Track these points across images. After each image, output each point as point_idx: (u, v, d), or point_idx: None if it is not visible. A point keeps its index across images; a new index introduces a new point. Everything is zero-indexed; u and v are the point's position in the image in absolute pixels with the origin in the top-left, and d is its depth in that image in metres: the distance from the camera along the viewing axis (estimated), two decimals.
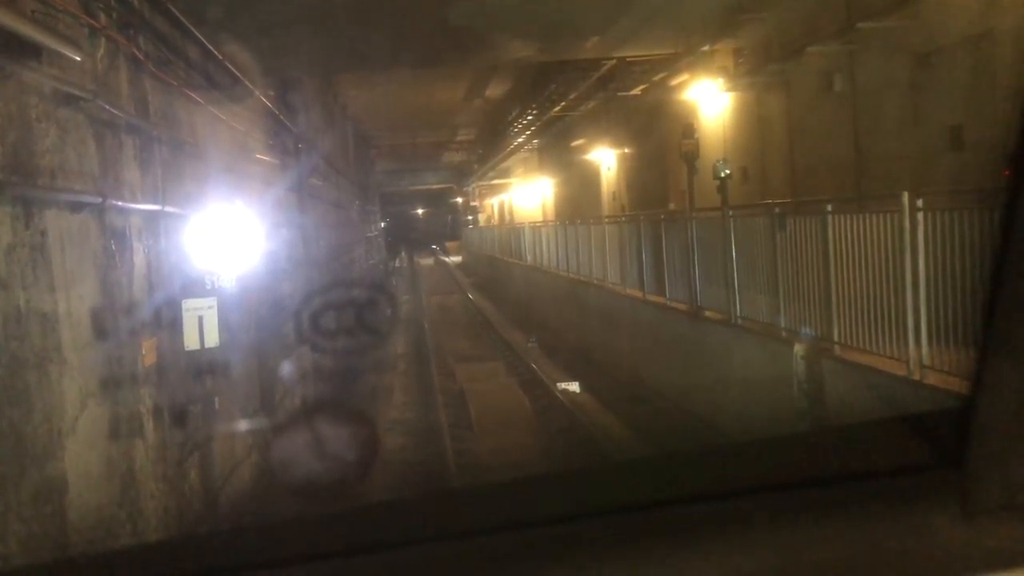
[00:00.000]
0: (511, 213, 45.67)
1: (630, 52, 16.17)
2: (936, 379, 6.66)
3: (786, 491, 1.30)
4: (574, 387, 15.26)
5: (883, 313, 7.47)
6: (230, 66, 9.67)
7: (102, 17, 6.21)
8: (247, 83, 10.27)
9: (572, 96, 21.84)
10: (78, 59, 5.43)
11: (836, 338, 8.23)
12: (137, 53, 6.92)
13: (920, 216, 6.91)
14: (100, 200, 5.66)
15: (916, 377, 6.90)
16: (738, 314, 10.61)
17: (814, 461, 1.39)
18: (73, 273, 5.28)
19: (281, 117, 13.34)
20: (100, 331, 5.60)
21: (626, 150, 23.37)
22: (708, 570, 1.18)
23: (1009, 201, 1.28)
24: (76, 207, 5.41)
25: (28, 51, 4.87)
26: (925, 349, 6.88)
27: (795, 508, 1.26)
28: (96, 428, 5.44)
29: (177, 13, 7.97)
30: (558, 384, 15.36)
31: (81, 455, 5.14)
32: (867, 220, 7.81)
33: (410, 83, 22.81)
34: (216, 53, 9.18)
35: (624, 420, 12.88)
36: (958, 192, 7.33)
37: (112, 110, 6.12)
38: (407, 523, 1.30)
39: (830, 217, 8.35)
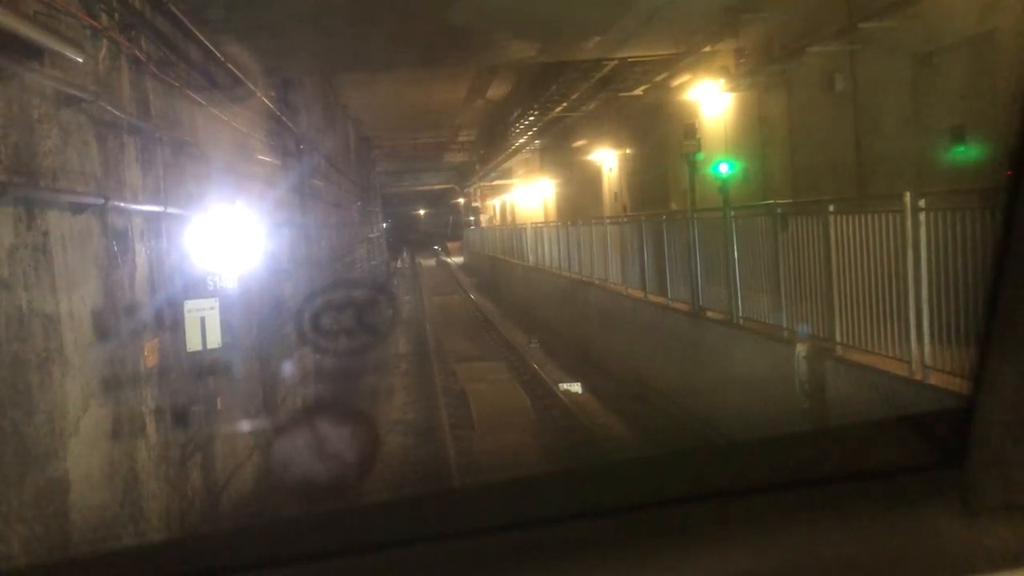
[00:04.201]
0: (512, 214, 45.64)
1: (631, 52, 16.16)
2: (938, 379, 6.65)
3: (787, 490, 1.30)
4: (575, 387, 15.27)
5: (885, 313, 7.46)
6: (231, 67, 9.68)
7: (104, 18, 6.22)
8: (248, 83, 10.28)
9: (573, 97, 21.81)
10: (80, 60, 5.44)
11: (838, 338, 8.22)
12: (139, 54, 6.93)
13: (922, 216, 6.90)
14: (102, 201, 5.67)
15: (918, 377, 6.89)
16: (740, 314, 10.60)
17: (814, 460, 1.39)
18: (75, 274, 5.29)
19: (282, 117, 13.35)
20: (102, 332, 5.61)
21: (627, 150, 23.37)
22: (709, 569, 1.18)
23: (1009, 201, 1.28)
24: (78, 208, 5.42)
25: (30, 52, 4.88)
26: (927, 349, 6.87)
27: (796, 507, 1.26)
28: (98, 429, 5.45)
29: (178, 14, 7.98)
30: (560, 384, 15.37)
31: (83, 455, 5.15)
32: (869, 220, 7.79)
33: (411, 83, 22.81)
34: (217, 54, 9.19)
35: (625, 420, 12.89)
36: (960, 192, 7.31)
37: (114, 111, 6.13)
38: (408, 523, 1.30)
39: (832, 217, 8.33)
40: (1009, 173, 1.29)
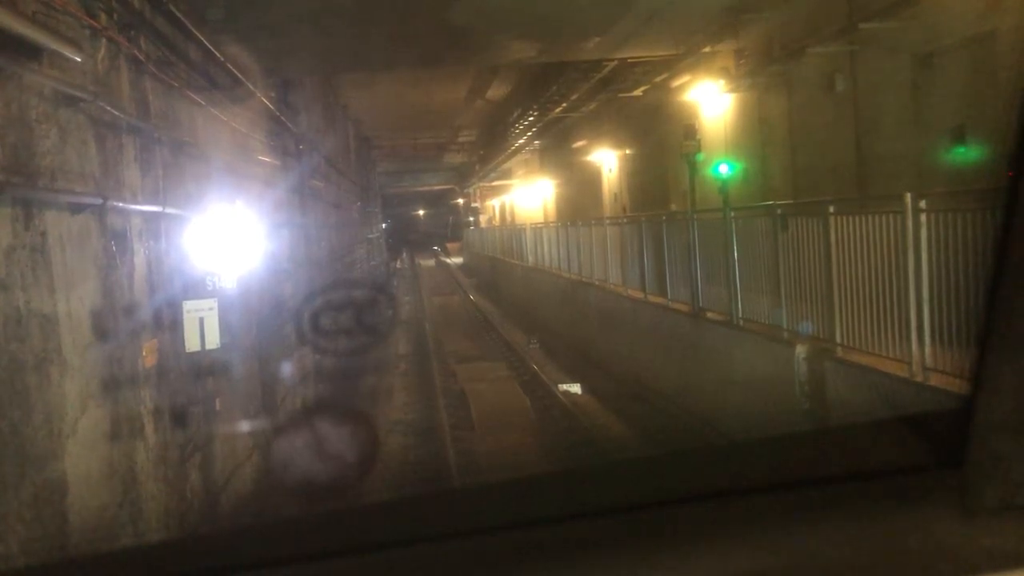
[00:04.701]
0: (512, 214, 45.62)
1: (631, 53, 16.15)
2: (939, 380, 6.63)
3: (786, 491, 1.30)
4: (575, 388, 15.25)
5: (886, 314, 7.45)
6: (231, 67, 9.67)
7: (103, 18, 6.21)
8: (248, 84, 10.27)
9: (573, 97, 21.80)
10: (79, 60, 5.43)
11: (838, 339, 8.20)
12: (138, 54, 6.92)
13: (923, 217, 6.89)
14: (100, 201, 5.66)
15: (919, 379, 6.87)
16: (739, 315, 10.59)
17: (814, 461, 1.39)
18: (73, 274, 5.28)
19: (282, 118, 13.34)
20: (100, 332, 5.60)
21: (627, 151, 23.35)
22: (708, 569, 1.18)
23: (1007, 202, 1.28)
24: (76, 208, 5.41)
25: (29, 52, 4.87)
26: (928, 350, 6.86)
27: (795, 508, 1.26)
28: (96, 430, 5.44)
29: (178, 14, 7.97)
30: (559, 385, 15.35)
31: (81, 457, 5.14)
32: (870, 221, 7.78)
33: (411, 84, 22.78)
34: (217, 54, 9.18)
35: (625, 421, 12.87)
36: (961, 193, 7.30)
37: (113, 111, 6.12)
38: (407, 523, 1.30)
39: (832, 218, 8.33)
40: (1010, 174, 1.29)
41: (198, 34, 8.58)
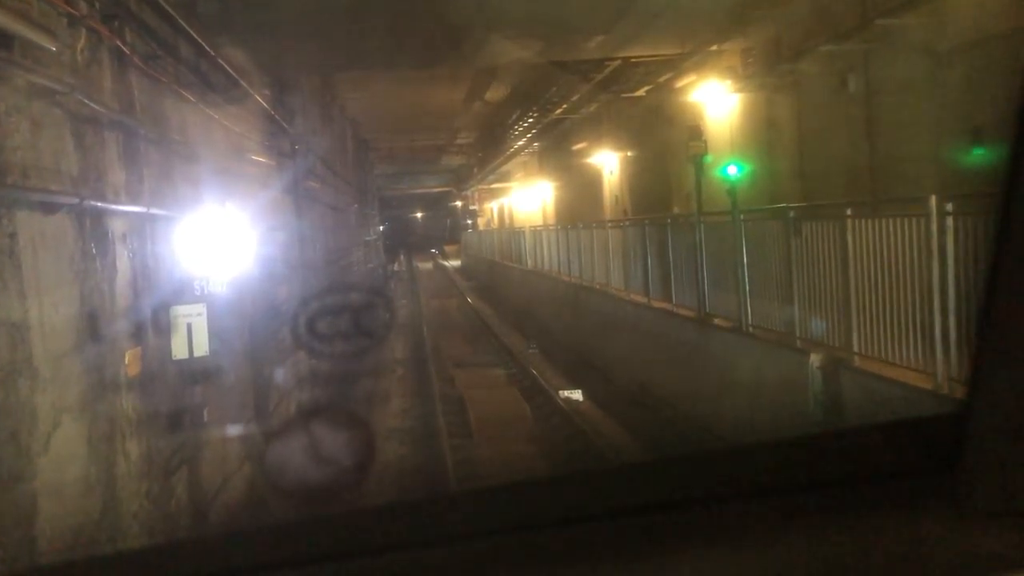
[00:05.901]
0: (511, 217, 45.36)
1: (635, 52, 15.89)
2: (966, 394, 6.29)
3: (784, 495, 1.31)
4: (576, 394, 14.91)
5: (907, 322, 7.13)
6: (224, 64, 9.33)
7: (83, 6, 5.84)
8: (242, 82, 9.94)
9: (574, 99, 21.53)
10: (53, 50, 5.07)
11: (856, 348, 7.88)
12: (122, 46, 6.56)
13: (949, 220, 6.56)
14: (77, 201, 5.29)
15: (945, 391, 6.55)
16: (749, 321, 10.27)
17: (812, 465, 1.38)
18: (47, 279, 4.92)
19: (277, 118, 13.02)
20: (77, 341, 5.24)
21: (629, 153, 23.06)
22: (706, 572, 1.18)
23: (1003, 205, 1.26)
24: (51, 208, 5.04)
25: None
26: (954, 360, 6.52)
27: (793, 512, 1.27)
28: (71, 446, 5.07)
29: (167, 7, 7.62)
30: (560, 392, 15.03)
31: (54, 475, 4.77)
32: (890, 224, 7.47)
33: (410, 85, 22.52)
34: (209, 50, 8.85)
35: (628, 428, 12.57)
36: (988, 195, 6.97)
37: (93, 105, 5.75)
38: (403, 527, 1.30)
39: (850, 221, 8.01)
40: (1006, 180, 1.28)
41: (189, 29, 8.23)
